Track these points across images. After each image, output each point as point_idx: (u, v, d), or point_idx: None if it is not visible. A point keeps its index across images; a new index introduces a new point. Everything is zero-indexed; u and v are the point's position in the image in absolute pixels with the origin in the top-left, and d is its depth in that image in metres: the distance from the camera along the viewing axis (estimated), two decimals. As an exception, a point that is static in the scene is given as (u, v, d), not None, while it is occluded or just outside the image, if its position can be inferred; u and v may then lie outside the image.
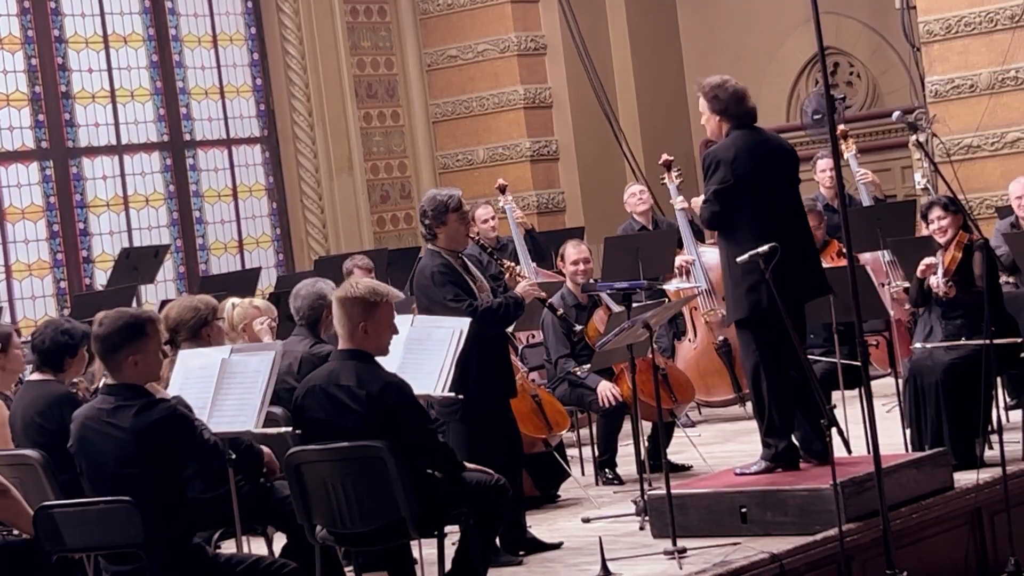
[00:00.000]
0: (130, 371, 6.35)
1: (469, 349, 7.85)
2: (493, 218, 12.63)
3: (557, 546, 8.35)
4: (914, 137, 10.53)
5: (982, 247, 9.20)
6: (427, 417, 6.99)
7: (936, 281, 9.35)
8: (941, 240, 9.51)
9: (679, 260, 12.15)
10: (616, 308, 10.00)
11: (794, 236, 8.33)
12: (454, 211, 8.21)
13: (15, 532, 6.90)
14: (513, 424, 8.51)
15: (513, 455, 8.38)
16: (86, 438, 6.39)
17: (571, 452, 10.48)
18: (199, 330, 7.53)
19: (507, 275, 8.49)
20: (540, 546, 8.29)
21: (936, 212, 9.51)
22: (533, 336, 11.43)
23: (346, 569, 7.49)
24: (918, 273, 9.50)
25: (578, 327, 9.57)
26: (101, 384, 6.66)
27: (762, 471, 8.41)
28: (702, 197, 8.50)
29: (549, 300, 9.04)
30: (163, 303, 10.40)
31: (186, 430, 6.36)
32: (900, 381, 9.65)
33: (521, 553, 8.19)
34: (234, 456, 6.79)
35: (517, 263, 12.34)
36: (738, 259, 8.05)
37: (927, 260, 9.48)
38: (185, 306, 7.61)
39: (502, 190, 12.91)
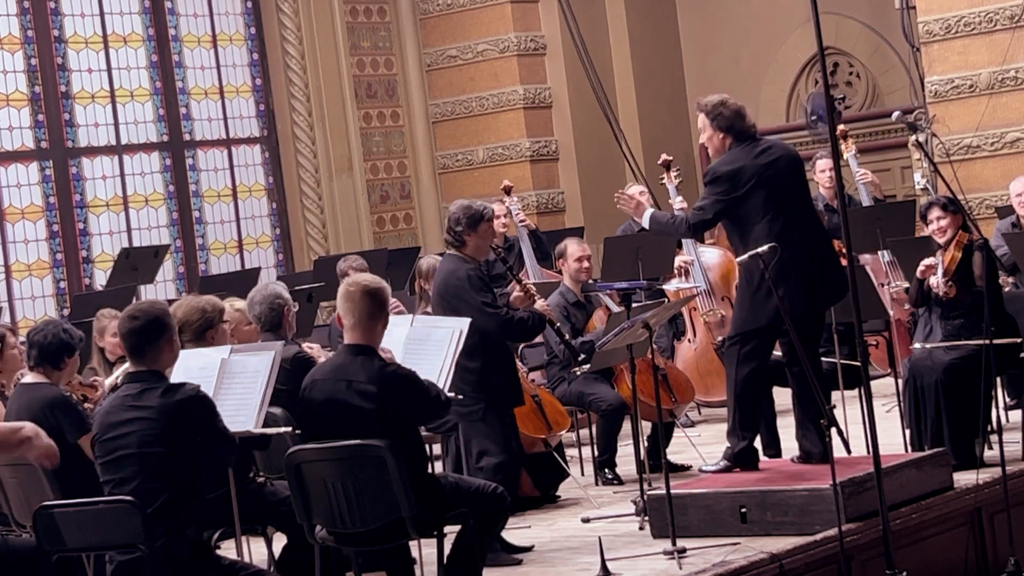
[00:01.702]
0: (165, 358, 6.62)
1: (491, 354, 8.17)
2: (506, 215, 12.64)
3: (528, 549, 8.34)
4: (914, 137, 10.50)
5: (982, 247, 9.19)
6: (428, 393, 7.05)
7: (936, 281, 9.35)
8: (941, 240, 9.51)
9: (679, 260, 12.15)
10: (616, 308, 10.00)
11: (813, 240, 8.35)
12: (487, 221, 8.44)
13: (16, 531, 6.90)
14: None
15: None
16: (110, 423, 6.49)
17: (571, 452, 10.48)
18: (204, 332, 7.49)
19: (518, 291, 8.52)
20: (511, 550, 8.26)
21: (936, 212, 9.51)
22: (533, 336, 11.42)
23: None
24: (918, 274, 9.50)
25: (582, 356, 9.51)
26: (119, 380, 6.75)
27: (720, 470, 8.52)
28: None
29: (557, 324, 9.10)
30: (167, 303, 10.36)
31: (209, 413, 6.54)
32: (900, 381, 9.65)
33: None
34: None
35: (522, 262, 12.42)
36: (737, 259, 8.02)
37: (927, 261, 9.47)
38: (192, 307, 7.57)
39: (507, 191, 12.92)
